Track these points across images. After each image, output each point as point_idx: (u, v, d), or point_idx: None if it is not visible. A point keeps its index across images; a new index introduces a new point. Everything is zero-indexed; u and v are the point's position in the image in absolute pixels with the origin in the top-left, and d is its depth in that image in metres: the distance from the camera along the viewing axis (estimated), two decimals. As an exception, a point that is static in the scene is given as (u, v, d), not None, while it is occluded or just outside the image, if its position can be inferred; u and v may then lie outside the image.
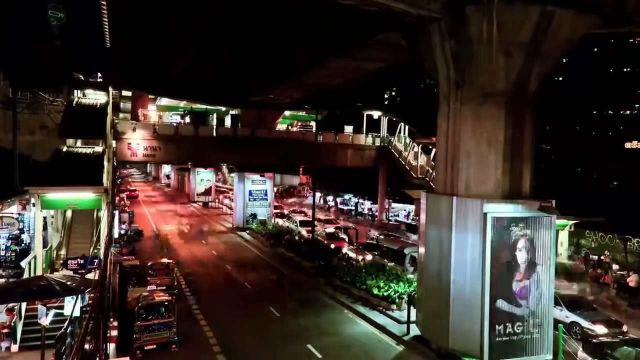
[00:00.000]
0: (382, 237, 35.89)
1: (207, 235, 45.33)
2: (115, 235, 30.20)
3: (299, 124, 57.54)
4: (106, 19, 26.35)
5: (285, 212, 53.81)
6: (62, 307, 14.21)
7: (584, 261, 29.49)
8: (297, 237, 37.92)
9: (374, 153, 47.65)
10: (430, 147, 39.12)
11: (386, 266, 27.25)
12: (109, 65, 34.06)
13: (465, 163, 17.47)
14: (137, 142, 39.20)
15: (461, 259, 17.07)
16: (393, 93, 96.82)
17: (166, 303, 18.60)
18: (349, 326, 21.39)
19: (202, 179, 74.08)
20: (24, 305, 16.88)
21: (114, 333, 17.46)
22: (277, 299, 25.03)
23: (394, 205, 56.95)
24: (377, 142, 47.77)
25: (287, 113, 52.86)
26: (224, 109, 53.40)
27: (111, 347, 16.27)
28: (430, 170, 37.74)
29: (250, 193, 48.74)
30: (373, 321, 21.63)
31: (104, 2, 23.91)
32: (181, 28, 29.36)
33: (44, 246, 20.50)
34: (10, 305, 15.92)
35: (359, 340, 19.71)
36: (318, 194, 64.67)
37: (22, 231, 20.29)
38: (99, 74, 32.42)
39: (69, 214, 24.19)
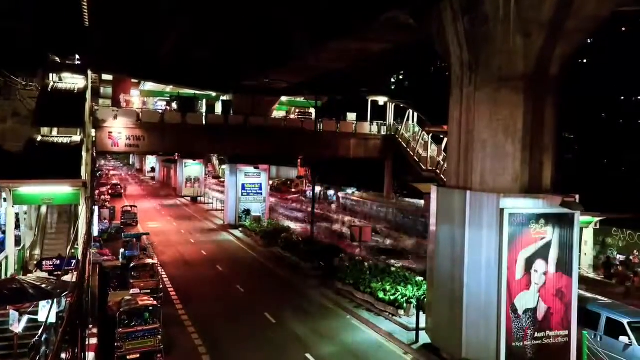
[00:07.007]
0: None
1: (196, 234, 45.40)
2: (95, 233, 30.21)
3: (297, 111, 57.43)
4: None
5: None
6: (36, 313, 14.20)
7: (608, 263, 29.41)
8: (294, 236, 37.94)
9: (379, 143, 47.54)
10: (442, 136, 39.08)
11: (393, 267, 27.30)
12: (88, 45, 33.91)
13: (480, 154, 17.41)
14: (119, 131, 39.10)
15: (475, 259, 17.05)
16: (401, 77, 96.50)
17: (151, 308, 18.57)
18: (352, 333, 21.42)
19: (191, 171, 73.93)
20: (-6, 310, 16.89)
21: (94, 341, 17.48)
22: (273, 303, 25.05)
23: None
24: (383, 130, 47.65)
25: (284, 99, 52.73)
26: (214, 94, 53.31)
27: (90, 356, 16.30)
28: (442, 162, 37.73)
29: (244, 187, 48.63)
30: (378, 328, 21.67)
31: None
32: (170, 5, 29.29)
33: (16, 245, 20.50)
34: (-21, 310, 15.94)
35: (362, 349, 19.73)
36: (318, 188, 64.60)
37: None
38: (77, 56, 32.25)
39: (43, 209, 24.16)
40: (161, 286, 25.09)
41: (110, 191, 71.57)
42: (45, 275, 17.56)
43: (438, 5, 17.96)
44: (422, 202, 42.48)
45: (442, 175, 36.18)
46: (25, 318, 13.67)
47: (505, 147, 17.01)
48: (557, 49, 16.80)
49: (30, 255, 22.76)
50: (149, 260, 26.49)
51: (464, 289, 17.24)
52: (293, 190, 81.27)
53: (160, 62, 40.11)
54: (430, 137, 41.60)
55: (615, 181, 62.49)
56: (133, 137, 39.57)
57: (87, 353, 15.40)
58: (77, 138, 24.72)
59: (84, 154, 23.75)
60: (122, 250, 29.29)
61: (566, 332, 17.10)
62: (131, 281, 23.84)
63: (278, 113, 54.61)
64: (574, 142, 75.56)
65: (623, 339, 16.38)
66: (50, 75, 26.97)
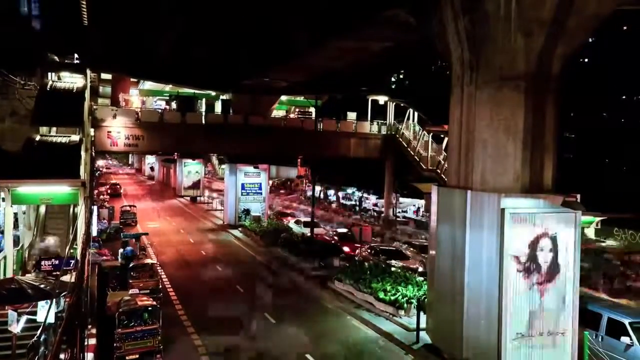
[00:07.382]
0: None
1: (195, 233, 45.38)
2: (94, 233, 30.17)
3: (297, 110, 57.41)
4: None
5: None
6: (34, 313, 14.18)
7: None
8: (294, 236, 37.92)
9: (379, 142, 47.52)
10: (442, 135, 39.03)
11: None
12: (87, 44, 33.86)
13: (481, 153, 17.39)
14: (118, 130, 39.10)
15: (476, 259, 17.03)
16: (401, 76, 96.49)
17: (150, 308, 18.53)
18: (352, 334, 21.39)
19: (190, 171, 73.88)
20: (-8, 310, 16.86)
21: (92, 341, 17.46)
22: (273, 303, 25.05)
23: (401, 200, 56.94)
24: (383, 130, 47.62)
25: (283, 98, 52.71)
26: (213, 93, 53.31)
27: (89, 356, 16.28)
28: (442, 162, 37.70)
29: (243, 186, 48.64)
30: (379, 328, 21.65)
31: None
32: (170, 4, 29.25)
33: (15, 245, 20.47)
34: (-22, 310, 15.90)
35: (362, 349, 19.70)
36: (318, 188, 64.60)
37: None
38: (76, 55, 32.25)
39: (42, 209, 24.15)
40: (160, 286, 25.06)
41: (109, 191, 71.57)
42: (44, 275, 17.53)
43: (438, 4, 17.93)
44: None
45: (442, 175, 36.15)
46: (24, 318, 13.64)
47: (506, 146, 16.98)
48: (558, 48, 16.78)
49: (29, 255, 22.73)
50: (148, 260, 26.45)
51: (465, 289, 17.23)
52: (283, 191, 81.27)
53: (160, 61, 40.06)
54: (430, 136, 41.56)
55: (616, 181, 62.40)
56: (132, 136, 39.57)
57: (85, 353, 15.37)
58: (75, 137, 24.69)
59: (82, 153, 23.72)
60: (121, 250, 29.25)
61: (568, 331, 17.07)
62: (130, 281, 23.79)
63: (278, 112, 54.59)
64: (574, 142, 75.45)
65: (624, 339, 16.35)
66: (49, 74, 26.96)
